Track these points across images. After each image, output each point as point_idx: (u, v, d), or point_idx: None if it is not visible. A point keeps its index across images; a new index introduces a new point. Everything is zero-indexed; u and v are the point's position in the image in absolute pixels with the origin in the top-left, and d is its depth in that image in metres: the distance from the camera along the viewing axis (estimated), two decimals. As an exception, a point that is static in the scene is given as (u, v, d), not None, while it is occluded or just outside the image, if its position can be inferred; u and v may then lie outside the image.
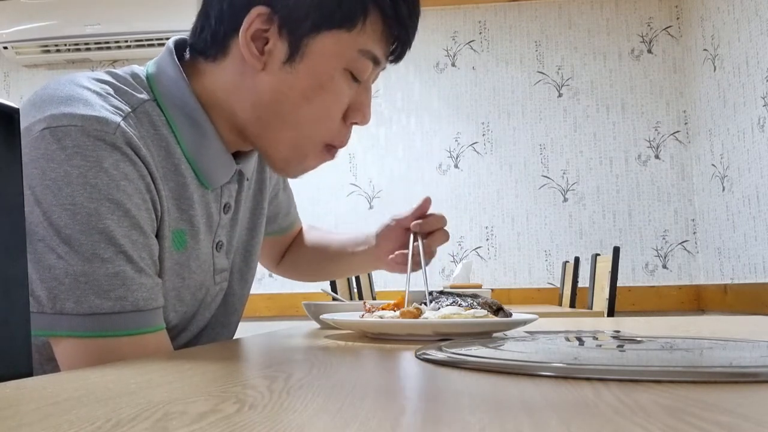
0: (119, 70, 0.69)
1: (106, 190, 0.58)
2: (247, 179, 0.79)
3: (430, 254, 0.89)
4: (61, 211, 0.57)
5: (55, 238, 0.56)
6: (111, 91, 0.64)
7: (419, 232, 0.87)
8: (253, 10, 0.65)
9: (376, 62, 0.69)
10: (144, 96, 0.67)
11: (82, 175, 0.57)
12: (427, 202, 0.89)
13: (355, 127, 0.73)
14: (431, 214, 0.89)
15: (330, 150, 0.72)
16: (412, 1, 0.70)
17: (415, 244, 0.87)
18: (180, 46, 0.72)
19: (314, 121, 0.69)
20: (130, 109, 0.64)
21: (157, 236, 0.65)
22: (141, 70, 0.70)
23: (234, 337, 0.82)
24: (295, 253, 1.06)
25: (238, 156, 0.75)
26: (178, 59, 0.70)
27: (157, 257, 0.65)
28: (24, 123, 0.59)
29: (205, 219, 0.71)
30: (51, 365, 0.62)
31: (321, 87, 0.67)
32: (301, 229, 1.07)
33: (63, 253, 0.56)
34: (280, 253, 1.05)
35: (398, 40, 0.70)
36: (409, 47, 0.72)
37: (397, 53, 0.72)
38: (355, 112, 0.71)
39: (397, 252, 0.90)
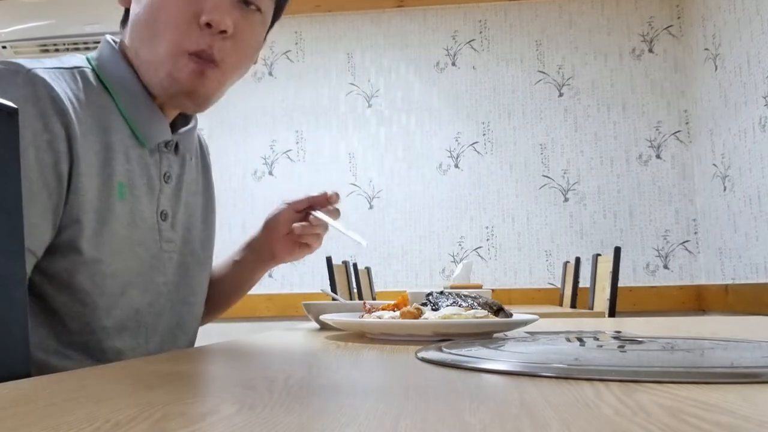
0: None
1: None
2: (191, 159, 0.85)
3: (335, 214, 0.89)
4: None
5: None
6: (46, 60, 0.71)
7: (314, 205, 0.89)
8: None
9: None
10: (83, 64, 0.74)
11: None
12: (326, 197, 0.89)
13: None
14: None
15: (198, 61, 0.72)
16: None
17: (310, 218, 0.88)
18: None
19: (164, 28, 0.72)
20: (62, 66, 0.70)
21: (99, 186, 0.69)
22: (82, 56, 0.78)
23: (224, 339, 0.82)
24: None
25: (173, 129, 0.80)
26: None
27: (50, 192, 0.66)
28: None
29: (145, 180, 0.76)
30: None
31: None
32: None
33: None
34: None
35: None
36: None
37: None
38: (208, 13, 0.71)
39: (295, 225, 0.89)
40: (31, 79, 0.65)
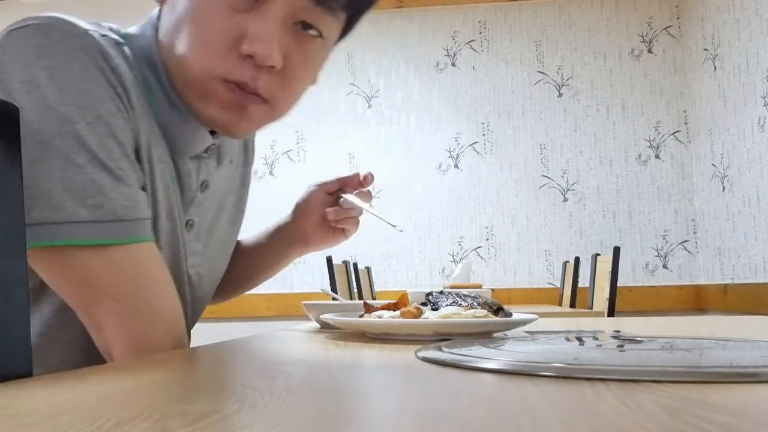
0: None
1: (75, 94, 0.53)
2: (231, 162, 0.73)
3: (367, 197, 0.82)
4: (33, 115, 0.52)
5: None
6: (84, 23, 0.60)
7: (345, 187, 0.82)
8: None
9: None
10: (121, 40, 0.61)
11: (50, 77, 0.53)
12: (358, 178, 0.82)
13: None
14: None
15: (236, 91, 0.58)
16: None
17: (341, 201, 0.81)
18: None
19: (197, 47, 0.57)
20: (108, 35, 0.59)
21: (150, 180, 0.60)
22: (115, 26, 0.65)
23: (224, 339, 0.82)
24: None
25: (214, 133, 0.67)
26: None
27: (138, 171, 0.58)
28: None
29: (177, 188, 0.65)
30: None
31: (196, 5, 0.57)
32: None
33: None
34: None
35: None
36: None
37: None
38: (250, 42, 0.56)
39: (327, 209, 0.81)
40: (90, 44, 0.55)
